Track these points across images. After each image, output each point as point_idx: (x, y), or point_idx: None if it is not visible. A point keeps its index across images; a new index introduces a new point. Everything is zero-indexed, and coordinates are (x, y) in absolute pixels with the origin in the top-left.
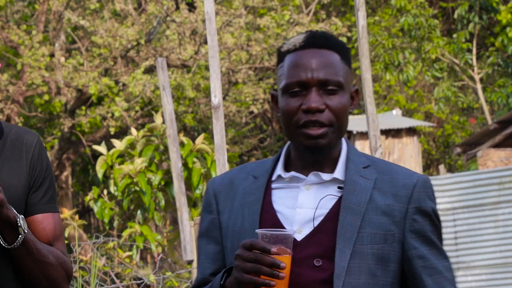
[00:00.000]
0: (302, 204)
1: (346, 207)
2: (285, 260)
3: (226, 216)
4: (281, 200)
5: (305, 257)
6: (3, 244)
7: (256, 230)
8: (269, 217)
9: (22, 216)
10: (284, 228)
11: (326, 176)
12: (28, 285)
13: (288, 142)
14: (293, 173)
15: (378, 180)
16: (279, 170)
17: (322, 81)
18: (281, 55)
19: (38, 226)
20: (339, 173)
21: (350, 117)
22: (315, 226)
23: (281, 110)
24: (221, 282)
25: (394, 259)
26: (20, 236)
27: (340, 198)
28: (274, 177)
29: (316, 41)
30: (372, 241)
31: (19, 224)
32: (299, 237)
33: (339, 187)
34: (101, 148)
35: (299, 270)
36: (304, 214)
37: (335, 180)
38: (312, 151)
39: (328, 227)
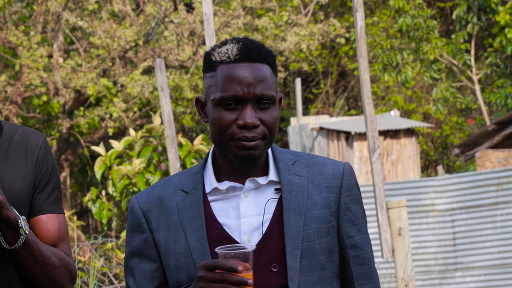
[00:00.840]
0: (245, 213)
1: (288, 208)
2: (250, 277)
3: (163, 234)
4: (222, 212)
5: (261, 264)
6: (5, 245)
7: (215, 250)
8: (216, 232)
9: (24, 217)
10: (235, 240)
11: (262, 180)
12: (31, 286)
13: (211, 150)
14: (229, 183)
15: (309, 174)
16: (212, 181)
17: (258, 96)
18: (212, 64)
19: (42, 226)
20: (272, 174)
21: (349, 118)
22: (263, 232)
23: (212, 121)
24: None
25: (336, 250)
26: (21, 237)
27: (280, 200)
28: (208, 189)
29: (251, 54)
30: (318, 236)
31: (20, 225)
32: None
33: (276, 189)
34: (100, 149)
35: (257, 278)
36: (249, 222)
37: (270, 183)
38: (245, 161)
39: (275, 231)
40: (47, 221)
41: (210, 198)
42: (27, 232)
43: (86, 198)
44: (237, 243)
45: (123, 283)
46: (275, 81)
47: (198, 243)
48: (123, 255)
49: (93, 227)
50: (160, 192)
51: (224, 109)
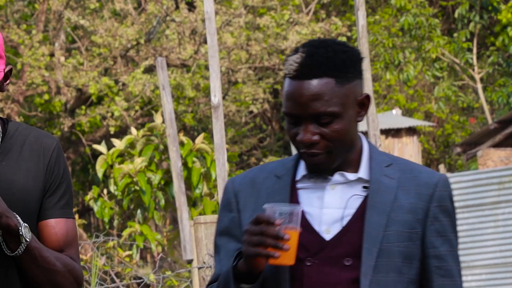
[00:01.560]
0: (328, 204)
1: (372, 206)
2: (291, 234)
3: (249, 214)
4: (307, 200)
5: (335, 257)
6: (6, 252)
7: (263, 206)
8: None
9: (25, 224)
10: (314, 228)
11: (351, 176)
12: None
13: None
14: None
15: (402, 178)
16: (303, 170)
17: (313, 115)
18: (284, 72)
19: (50, 231)
20: (363, 172)
21: None
22: (343, 225)
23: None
24: (233, 264)
25: (417, 257)
26: (21, 244)
27: (366, 197)
28: (298, 177)
29: (308, 70)
30: (398, 239)
31: (20, 233)
32: (327, 237)
33: (364, 187)
34: (101, 148)
35: (329, 269)
36: (331, 214)
37: (359, 180)
38: (313, 170)
39: (356, 227)
40: (56, 226)
41: (298, 185)
42: (27, 240)
43: (88, 197)
44: (316, 231)
45: (125, 282)
46: (341, 93)
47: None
48: (124, 254)
49: (95, 225)
50: (254, 175)
51: (289, 122)
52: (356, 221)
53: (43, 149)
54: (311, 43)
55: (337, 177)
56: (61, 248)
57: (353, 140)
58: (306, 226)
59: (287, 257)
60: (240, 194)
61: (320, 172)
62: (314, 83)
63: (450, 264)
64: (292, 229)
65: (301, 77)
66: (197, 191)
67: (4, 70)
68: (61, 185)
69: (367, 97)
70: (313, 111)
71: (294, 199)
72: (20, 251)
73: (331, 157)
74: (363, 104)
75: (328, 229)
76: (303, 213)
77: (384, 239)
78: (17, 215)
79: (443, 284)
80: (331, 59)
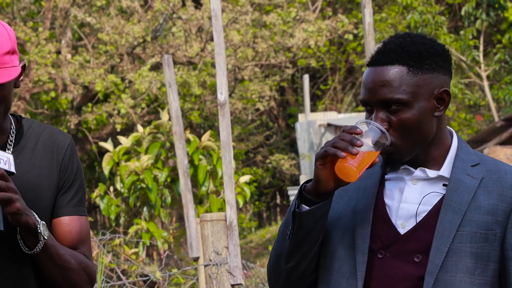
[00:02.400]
0: (406, 199)
1: (448, 205)
2: (366, 151)
3: (338, 193)
4: (390, 192)
5: (407, 252)
6: (24, 250)
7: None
8: (379, 208)
9: (43, 222)
10: (391, 220)
11: (432, 173)
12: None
13: None
14: (405, 165)
15: (485, 178)
16: None
17: (381, 101)
18: None
19: (64, 228)
20: (445, 170)
21: (357, 114)
22: (417, 221)
23: None
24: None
25: (494, 259)
26: (40, 242)
27: (444, 195)
28: (388, 168)
29: (381, 57)
30: (472, 240)
31: (39, 231)
32: (402, 231)
33: (444, 185)
34: (108, 145)
35: (399, 264)
36: (407, 208)
37: (440, 178)
38: (386, 162)
39: (429, 224)
40: (69, 223)
41: (387, 176)
42: (46, 237)
43: (94, 194)
44: (392, 224)
45: (131, 279)
46: (412, 82)
47: (364, 209)
48: (131, 251)
49: (101, 223)
50: None
51: (366, 111)
52: (430, 218)
53: (56, 146)
54: (396, 35)
55: (418, 172)
56: (74, 246)
57: (426, 134)
58: (384, 218)
59: (351, 170)
60: None
61: (392, 163)
62: (385, 69)
63: None
64: (372, 148)
65: (375, 64)
66: (204, 189)
67: (19, 65)
68: (75, 183)
69: (447, 92)
70: (380, 97)
71: (380, 189)
72: (38, 249)
73: (398, 151)
74: (442, 99)
75: (403, 223)
76: (384, 205)
77: (456, 238)
78: (34, 213)
79: None
80: (406, 48)
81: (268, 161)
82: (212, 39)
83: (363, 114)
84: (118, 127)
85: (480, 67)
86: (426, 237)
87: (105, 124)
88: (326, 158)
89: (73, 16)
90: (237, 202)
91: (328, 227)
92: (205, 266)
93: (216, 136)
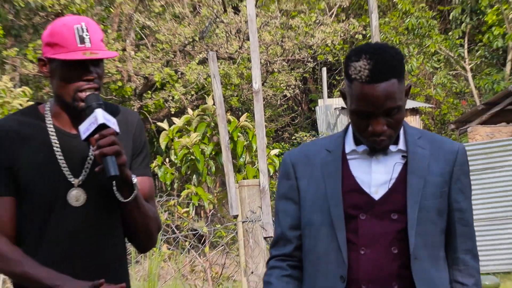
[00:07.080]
0: (376, 170)
1: (412, 172)
2: None
3: (306, 181)
4: (357, 168)
5: (384, 212)
6: (120, 198)
7: None
8: (350, 182)
9: (135, 175)
10: (365, 190)
11: (393, 148)
12: (129, 233)
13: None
14: (365, 147)
15: (432, 148)
16: (351, 145)
17: (386, 111)
18: (348, 76)
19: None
20: (401, 144)
21: None
22: (389, 187)
23: (350, 118)
24: None
25: (445, 210)
26: (134, 191)
27: (405, 164)
28: (348, 150)
29: (380, 75)
30: (433, 197)
31: (134, 182)
32: (376, 197)
33: (402, 156)
34: (164, 125)
35: (379, 222)
36: (378, 178)
37: (399, 151)
38: (377, 150)
39: (399, 188)
40: (141, 182)
41: (348, 157)
42: (138, 188)
43: (153, 165)
44: (366, 193)
45: (184, 233)
46: (401, 88)
47: (334, 191)
48: (183, 210)
49: (159, 187)
50: (307, 149)
51: (359, 117)
52: (400, 183)
53: (129, 122)
54: (370, 50)
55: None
56: (146, 200)
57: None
58: (357, 189)
59: None
60: (297, 165)
61: (383, 149)
62: (385, 85)
63: (469, 215)
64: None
65: (374, 81)
66: (241, 160)
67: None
68: (143, 150)
69: (410, 86)
70: (386, 108)
71: (345, 168)
72: (131, 198)
73: (391, 139)
74: (408, 93)
75: (376, 190)
76: (354, 178)
77: (422, 197)
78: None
79: (464, 231)
80: (393, 63)
81: (293, 137)
82: (248, 39)
83: None
84: (172, 110)
85: (465, 61)
86: (399, 199)
87: (162, 108)
88: None
89: (136, 20)
90: (268, 170)
91: (306, 211)
92: (243, 222)
93: (252, 117)
